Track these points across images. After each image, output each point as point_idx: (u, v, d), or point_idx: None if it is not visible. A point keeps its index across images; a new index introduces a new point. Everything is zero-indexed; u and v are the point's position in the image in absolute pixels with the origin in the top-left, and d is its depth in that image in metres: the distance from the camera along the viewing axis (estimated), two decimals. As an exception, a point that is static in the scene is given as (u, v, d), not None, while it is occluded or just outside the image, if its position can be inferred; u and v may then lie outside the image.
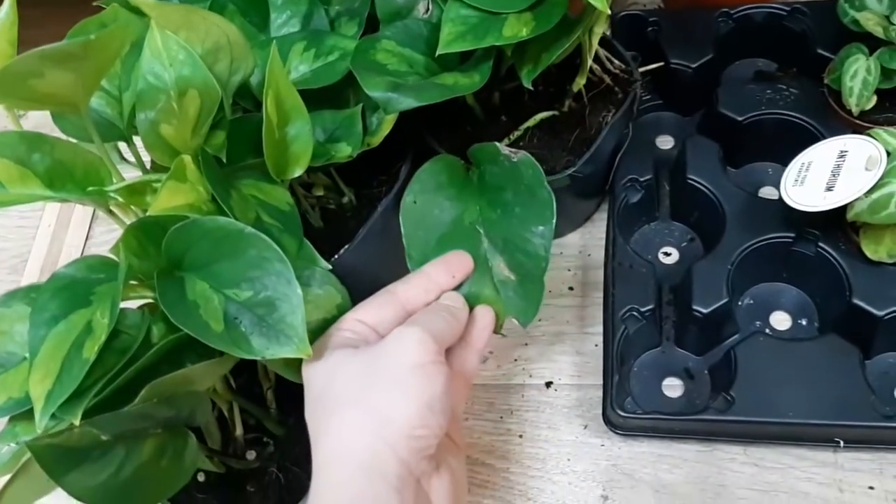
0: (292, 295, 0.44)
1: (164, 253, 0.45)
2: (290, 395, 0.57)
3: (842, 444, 0.57)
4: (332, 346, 0.46)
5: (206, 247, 0.45)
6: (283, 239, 0.48)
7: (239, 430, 0.54)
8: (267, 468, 0.55)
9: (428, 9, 0.58)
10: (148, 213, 0.46)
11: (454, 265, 0.51)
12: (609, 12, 0.50)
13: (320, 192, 0.62)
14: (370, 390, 0.43)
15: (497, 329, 0.52)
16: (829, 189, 0.58)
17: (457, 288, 0.51)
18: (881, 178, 0.56)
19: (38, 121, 0.66)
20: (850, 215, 0.58)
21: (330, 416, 0.44)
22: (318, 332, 0.48)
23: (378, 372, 0.44)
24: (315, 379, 0.45)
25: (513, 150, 0.55)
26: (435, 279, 0.50)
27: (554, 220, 0.53)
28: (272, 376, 0.54)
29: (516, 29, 0.52)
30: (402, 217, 0.54)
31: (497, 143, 0.56)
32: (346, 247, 0.56)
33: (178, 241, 0.45)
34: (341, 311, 0.49)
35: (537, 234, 0.53)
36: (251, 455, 0.55)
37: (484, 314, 0.51)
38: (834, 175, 0.58)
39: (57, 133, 0.51)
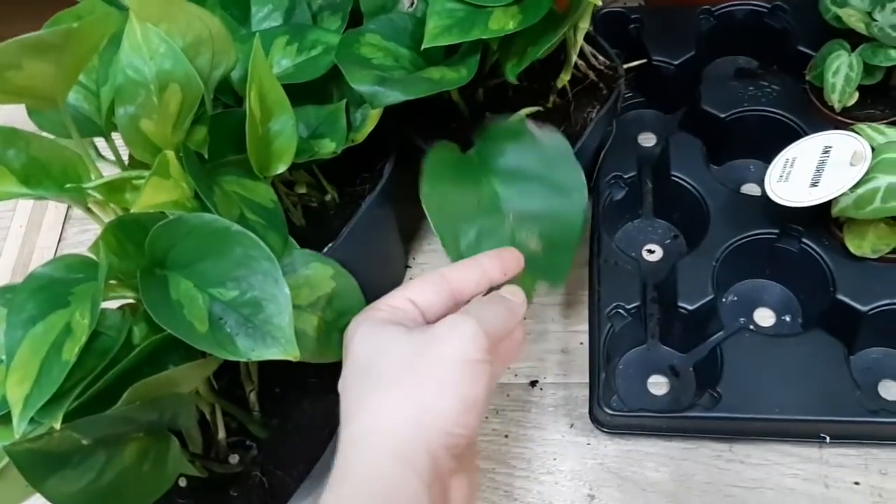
0: (279, 295, 0.43)
1: (147, 251, 0.44)
2: (274, 397, 0.56)
3: (827, 439, 0.57)
4: (384, 319, 0.45)
5: (191, 245, 0.44)
6: (268, 236, 0.47)
7: (222, 434, 0.53)
8: (250, 472, 0.53)
9: (413, 2, 0.57)
10: (131, 211, 0.44)
11: (507, 261, 0.50)
12: (600, 3, 0.50)
13: (303, 190, 0.61)
14: (417, 377, 0.42)
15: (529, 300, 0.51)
16: (813, 185, 0.58)
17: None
18: (866, 174, 0.56)
19: (5, 118, 0.64)
20: (834, 211, 0.58)
21: (370, 393, 0.43)
22: (328, 309, 0.48)
23: (428, 359, 0.43)
24: (363, 350, 0.44)
25: (537, 122, 0.55)
26: (488, 273, 0.49)
27: (587, 190, 0.53)
28: (255, 379, 0.53)
29: (503, 22, 0.52)
30: (425, 207, 0.53)
31: (525, 118, 0.56)
32: (330, 245, 0.56)
33: (162, 238, 0.44)
34: (339, 281, 0.48)
35: (568, 204, 0.53)
36: (234, 459, 0.54)
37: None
38: (818, 171, 0.58)
39: (31, 128, 0.49)
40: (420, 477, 0.40)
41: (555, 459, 0.61)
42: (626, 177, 0.70)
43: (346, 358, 0.45)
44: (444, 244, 0.53)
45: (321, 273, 0.50)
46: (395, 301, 0.46)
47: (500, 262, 0.50)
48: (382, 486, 0.40)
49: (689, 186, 0.67)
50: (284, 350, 0.42)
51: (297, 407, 0.55)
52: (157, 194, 0.44)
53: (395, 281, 0.71)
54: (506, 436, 0.63)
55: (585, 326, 0.65)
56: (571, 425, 0.62)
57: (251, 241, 0.43)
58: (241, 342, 0.42)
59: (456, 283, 0.48)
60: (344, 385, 0.44)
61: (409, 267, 0.73)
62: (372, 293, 0.69)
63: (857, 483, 0.57)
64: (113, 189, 0.47)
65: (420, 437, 0.41)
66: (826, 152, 0.59)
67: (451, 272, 0.48)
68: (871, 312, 0.58)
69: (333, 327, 0.49)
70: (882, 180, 0.56)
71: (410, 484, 0.40)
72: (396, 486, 0.40)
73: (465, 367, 0.42)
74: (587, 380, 0.62)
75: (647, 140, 0.75)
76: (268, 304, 0.42)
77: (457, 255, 0.53)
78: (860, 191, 0.56)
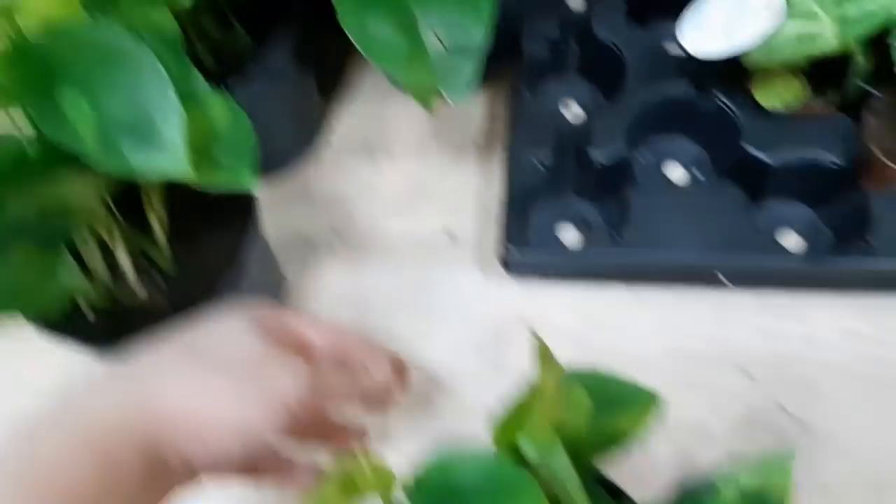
0: (171, 111, 0.42)
1: (39, 69, 0.43)
2: (181, 231, 0.56)
3: (727, 282, 0.59)
4: (261, 324, 0.43)
5: (83, 61, 0.43)
6: (165, 56, 0.46)
7: (126, 264, 0.53)
8: (159, 306, 0.54)
9: None
10: (21, 29, 0.43)
11: (402, 373, 0.48)
12: None
13: (216, 35, 0.60)
14: (222, 386, 0.39)
15: (430, 109, 0.52)
16: (727, 35, 0.58)
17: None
18: (778, 21, 0.56)
19: None
20: (746, 61, 0.59)
21: (180, 369, 0.40)
22: (216, 143, 0.47)
23: (248, 376, 0.40)
24: (215, 331, 0.42)
25: None
26: (380, 366, 0.46)
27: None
28: (160, 208, 0.53)
29: None
30: None
31: None
32: (235, 78, 0.55)
33: (54, 55, 0.43)
34: (234, 118, 0.47)
35: (476, 12, 0.52)
36: (143, 294, 0.54)
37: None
38: (731, 20, 0.58)
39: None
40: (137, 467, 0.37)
41: (465, 304, 0.63)
42: (549, 36, 0.69)
43: (200, 323, 0.43)
44: (352, 35, 0.52)
45: (217, 105, 0.49)
46: (295, 331, 0.45)
47: (398, 372, 0.47)
48: (103, 446, 0.36)
49: (610, 45, 0.67)
50: (175, 164, 0.42)
51: (204, 235, 0.55)
52: (45, 5, 0.43)
53: (308, 141, 0.71)
54: (418, 282, 0.64)
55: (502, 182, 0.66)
56: (483, 272, 0.64)
57: (144, 58, 0.43)
58: (133, 157, 0.42)
59: (348, 350, 0.46)
60: (174, 338, 0.42)
61: (331, 133, 0.72)
62: (280, 146, 0.69)
63: (753, 325, 0.59)
64: (4, 12, 0.46)
65: (174, 438, 0.38)
66: (740, 1, 0.59)
67: (356, 343, 0.46)
68: (775, 164, 0.59)
69: (214, 161, 0.48)
70: (792, 26, 0.56)
71: (132, 464, 0.36)
72: (116, 458, 0.36)
73: (270, 403, 0.39)
74: (501, 231, 0.63)
75: (574, 1, 0.74)
76: (159, 119, 0.42)
77: (366, 46, 0.52)
78: (771, 40, 0.57)
